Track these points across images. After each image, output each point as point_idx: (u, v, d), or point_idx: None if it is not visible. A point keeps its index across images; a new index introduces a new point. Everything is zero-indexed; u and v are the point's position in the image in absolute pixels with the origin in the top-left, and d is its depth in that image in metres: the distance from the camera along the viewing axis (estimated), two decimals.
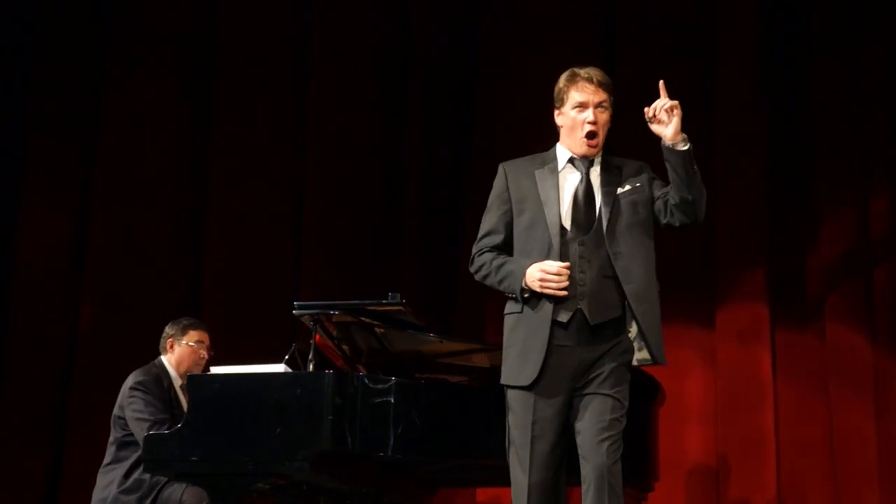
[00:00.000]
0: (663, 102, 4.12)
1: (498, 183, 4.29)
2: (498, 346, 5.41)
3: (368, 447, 4.97)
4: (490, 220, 4.28)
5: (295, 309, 5.17)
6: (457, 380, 5.61)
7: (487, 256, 4.24)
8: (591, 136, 4.20)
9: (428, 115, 7.67)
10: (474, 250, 4.30)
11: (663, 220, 4.20)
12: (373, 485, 5.60)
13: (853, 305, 6.80)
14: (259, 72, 7.83)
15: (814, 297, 6.95)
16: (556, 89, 4.29)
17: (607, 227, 4.11)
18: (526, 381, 4.09)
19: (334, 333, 5.34)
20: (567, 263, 4.05)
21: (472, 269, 4.31)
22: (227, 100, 7.80)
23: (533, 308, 4.11)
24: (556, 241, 4.10)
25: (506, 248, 4.23)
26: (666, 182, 4.20)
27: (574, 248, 4.11)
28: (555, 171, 4.22)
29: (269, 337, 7.10)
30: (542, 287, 4.04)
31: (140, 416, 5.55)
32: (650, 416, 5.67)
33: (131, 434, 5.59)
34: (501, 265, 4.17)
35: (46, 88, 7.81)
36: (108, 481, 5.62)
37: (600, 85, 4.23)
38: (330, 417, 4.90)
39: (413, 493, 5.99)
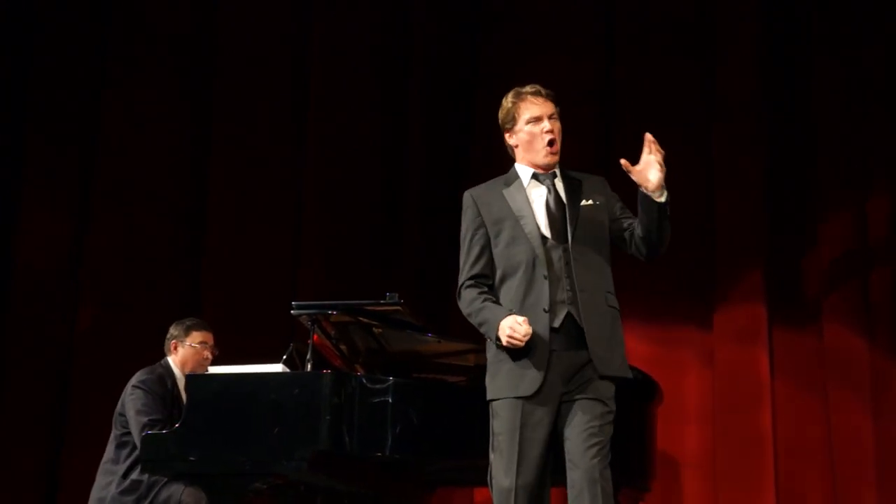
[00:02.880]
0: (657, 157, 4.12)
1: (469, 211, 4.27)
2: None
3: (366, 447, 4.98)
4: (468, 249, 4.25)
5: (293, 309, 5.18)
6: (454, 380, 5.62)
7: (470, 294, 4.20)
8: (551, 143, 4.24)
9: (428, 115, 7.67)
10: (459, 282, 4.25)
11: (628, 250, 4.23)
12: (370, 485, 5.60)
13: (851, 306, 6.81)
14: (259, 72, 7.82)
15: (812, 298, 6.96)
16: (504, 111, 4.31)
17: (573, 236, 4.14)
18: (526, 392, 4.03)
19: (332, 333, 5.35)
20: (530, 330, 4.01)
21: (459, 303, 4.27)
22: (227, 100, 7.80)
23: (532, 317, 4.06)
24: (539, 250, 4.11)
25: (489, 274, 4.20)
26: (626, 202, 4.26)
27: (559, 255, 4.12)
28: (521, 188, 4.24)
29: (267, 337, 7.08)
30: (507, 341, 4.02)
31: (136, 413, 5.57)
32: (648, 415, 5.68)
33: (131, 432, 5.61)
34: (480, 310, 4.15)
35: (46, 88, 7.81)
36: (106, 481, 5.62)
37: (548, 97, 4.28)
38: (328, 417, 4.91)
39: (411, 493, 5.99)
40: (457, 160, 7.62)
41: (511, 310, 4.08)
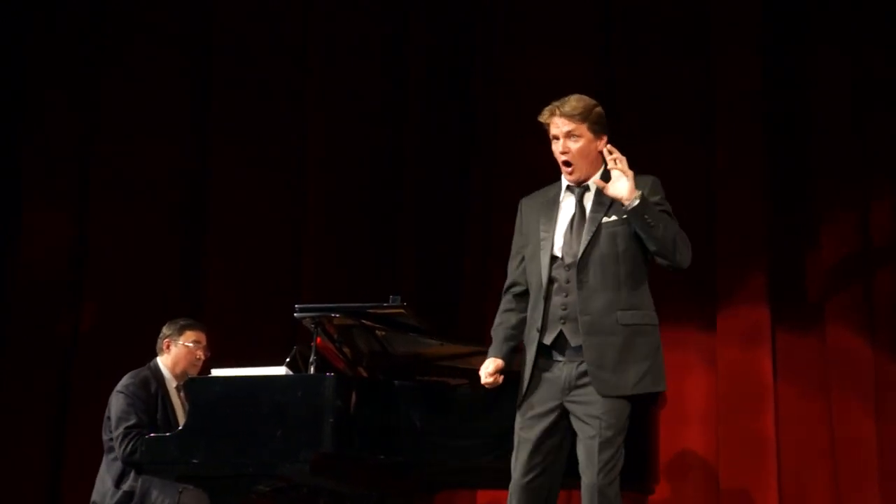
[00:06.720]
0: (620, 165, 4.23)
1: (517, 221, 4.47)
2: None
3: (369, 450, 5.00)
4: (511, 257, 4.48)
5: (296, 311, 5.19)
6: (458, 382, 5.61)
7: (502, 303, 4.45)
8: (566, 164, 4.33)
9: (428, 115, 7.66)
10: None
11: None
12: (373, 487, 5.61)
13: (854, 308, 6.79)
14: (259, 70, 7.81)
15: (815, 300, 6.93)
16: None
17: (581, 255, 4.23)
18: (519, 399, 4.29)
19: (335, 336, 5.34)
20: (491, 380, 4.32)
21: None
22: (228, 96, 7.78)
23: (528, 335, 4.32)
24: (545, 271, 4.27)
25: (524, 282, 4.41)
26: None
27: (561, 274, 4.25)
28: (556, 202, 4.37)
29: (270, 339, 7.08)
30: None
31: (117, 420, 5.60)
32: (651, 418, 5.67)
33: None
34: (494, 330, 4.43)
35: (45, 87, 7.80)
36: (103, 489, 5.66)
37: (564, 115, 4.31)
38: (331, 420, 4.92)
39: (413, 496, 5.99)
40: (458, 161, 7.61)
41: (508, 339, 4.37)
